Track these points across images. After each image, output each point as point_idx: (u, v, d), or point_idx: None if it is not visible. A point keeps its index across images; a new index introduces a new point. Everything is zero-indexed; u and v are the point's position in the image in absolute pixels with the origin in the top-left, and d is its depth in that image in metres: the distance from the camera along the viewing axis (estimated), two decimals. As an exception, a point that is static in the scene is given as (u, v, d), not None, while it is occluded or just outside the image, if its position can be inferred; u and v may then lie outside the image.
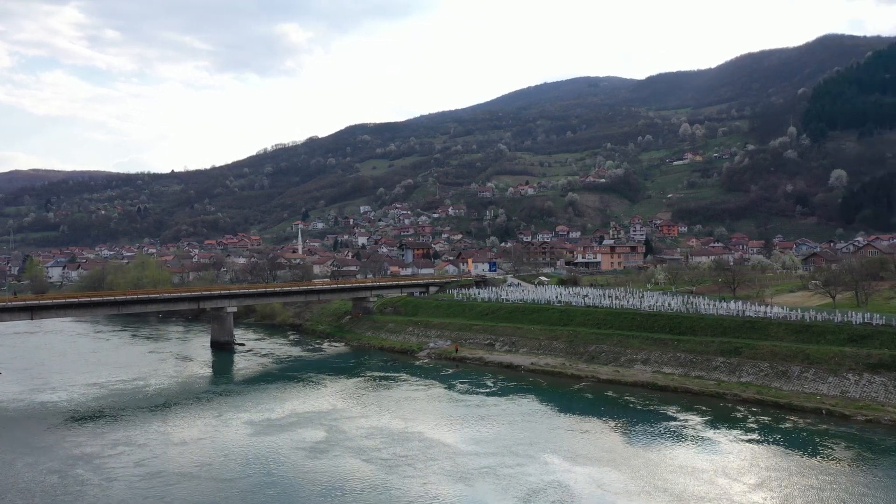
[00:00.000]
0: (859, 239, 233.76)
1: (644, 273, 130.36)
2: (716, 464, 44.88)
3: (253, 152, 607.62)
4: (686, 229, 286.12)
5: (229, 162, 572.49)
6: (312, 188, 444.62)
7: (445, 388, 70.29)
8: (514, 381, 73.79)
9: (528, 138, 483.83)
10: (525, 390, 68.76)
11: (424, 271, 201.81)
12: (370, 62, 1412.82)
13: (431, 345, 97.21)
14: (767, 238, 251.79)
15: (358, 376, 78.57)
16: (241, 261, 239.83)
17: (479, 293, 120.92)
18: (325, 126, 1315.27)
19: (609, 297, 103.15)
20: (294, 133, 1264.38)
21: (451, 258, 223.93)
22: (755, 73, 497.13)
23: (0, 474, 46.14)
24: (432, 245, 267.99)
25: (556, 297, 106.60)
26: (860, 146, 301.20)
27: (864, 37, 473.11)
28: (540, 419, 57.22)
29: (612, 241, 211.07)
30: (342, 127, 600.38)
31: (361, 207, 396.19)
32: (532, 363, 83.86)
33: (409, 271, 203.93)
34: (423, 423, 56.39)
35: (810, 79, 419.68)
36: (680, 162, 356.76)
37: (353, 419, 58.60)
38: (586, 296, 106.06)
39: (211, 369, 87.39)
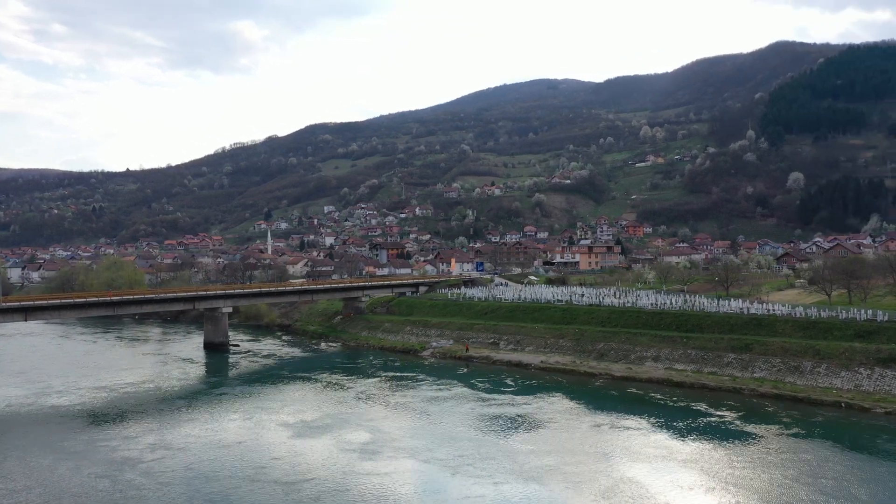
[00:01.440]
0: (818, 239, 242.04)
1: (631, 272, 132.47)
2: (782, 458, 45.65)
3: (211, 151, 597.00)
4: (651, 230, 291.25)
5: (186, 161, 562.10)
6: (274, 188, 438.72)
7: (468, 387, 70.23)
8: (533, 380, 74.29)
9: (491, 139, 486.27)
10: (548, 388, 69.25)
11: (402, 271, 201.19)
12: (328, 61, 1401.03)
13: (434, 344, 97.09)
14: (730, 238, 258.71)
15: (373, 377, 77.93)
16: (207, 261, 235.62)
17: (471, 293, 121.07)
18: (285, 125, 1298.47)
19: (605, 295, 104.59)
20: (253, 132, 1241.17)
21: (428, 258, 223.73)
22: (710, 77, 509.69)
23: (46, 480, 44.56)
24: (403, 245, 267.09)
25: (555, 296, 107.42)
26: (815, 150, 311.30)
27: (815, 44, 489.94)
28: (578, 416, 57.75)
29: (588, 242, 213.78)
30: (302, 126, 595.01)
31: (325, 207, 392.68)
32: (542, 361, 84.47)
33: (385, 271, 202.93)
34: (462, 423, 56.30)
35: (764, 84, 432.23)
36: (642, 164, 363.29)
37: (389, 419, 58.28)
38: (583, 295, 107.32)
39: (217, 371, 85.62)
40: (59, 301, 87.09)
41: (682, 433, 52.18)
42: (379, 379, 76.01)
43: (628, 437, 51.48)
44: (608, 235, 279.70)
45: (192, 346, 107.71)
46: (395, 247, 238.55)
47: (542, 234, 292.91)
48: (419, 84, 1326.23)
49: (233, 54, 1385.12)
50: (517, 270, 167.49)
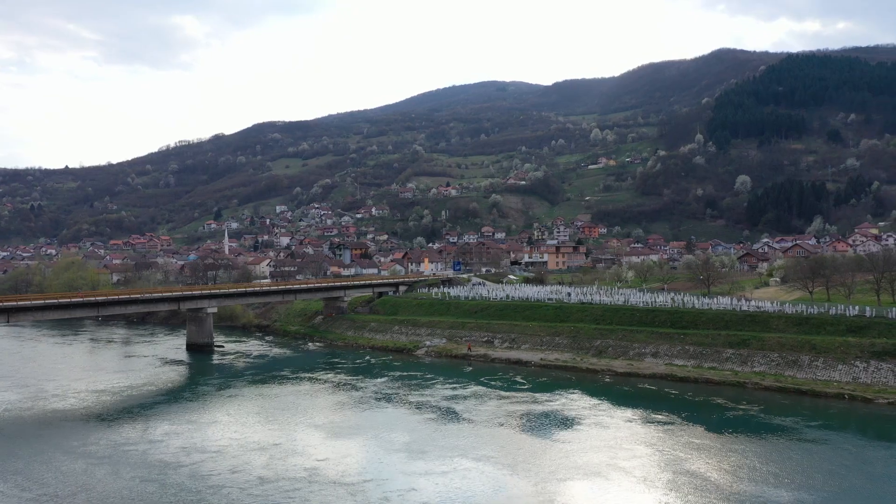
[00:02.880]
0: (766, 240, 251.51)
1: (608, 271, 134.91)
2: (828, 449, 47.16)
3: (154, 149, 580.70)
4: (606, 230, 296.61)
5: (129, 158, 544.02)
6: (223, 187, 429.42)
7: (482, 385, 70.44)
8: (543, 377, 75.11)
9: (443, 140, 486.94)
10: (562, 385, 69.97)
11: (368, 271, 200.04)
12: (273, 59, 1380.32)
13: (427, 343, 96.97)
14: (682, 239, 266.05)
15: (379, 376, 77.31)
16: (166, 261, 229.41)
17: (454, 292, 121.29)
18: (231, 123, 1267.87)
19: (592, 294, 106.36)
20: (198, 130, 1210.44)
21: (394, 258, 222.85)
22: (656, 82, 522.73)
23: (87, 484, 42.90)
24: (367, 245, 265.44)
25: (546, 295, 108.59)
26: (761, 154, 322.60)
27: (755, 52, 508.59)
28: (607, 412, 58.47)
29: (556, 242, 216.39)
30: (249, 124, 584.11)
31: (277, 207, 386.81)
32: (541, 359, 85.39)
33: (351, 271, 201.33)
34: (494, 420, 56.46)
35: (708, 89, 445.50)
36: (595, 166, 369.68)
37: (418, 418, 57.97)
38: (570, 294, 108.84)
39: (212, 372, 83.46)
40: (43, 302, 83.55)
41: (717, 427, 53.33)
42: (387, 378, 75.46)
43: (666, 430, 52.49)
44: (565, 236, 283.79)
45: (171, 347, 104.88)
46: (358, 247, 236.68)
47: (500, 235, 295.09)
48: (367, 84, 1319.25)
49: (173, 50, 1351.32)
50: (485, 270, 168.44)
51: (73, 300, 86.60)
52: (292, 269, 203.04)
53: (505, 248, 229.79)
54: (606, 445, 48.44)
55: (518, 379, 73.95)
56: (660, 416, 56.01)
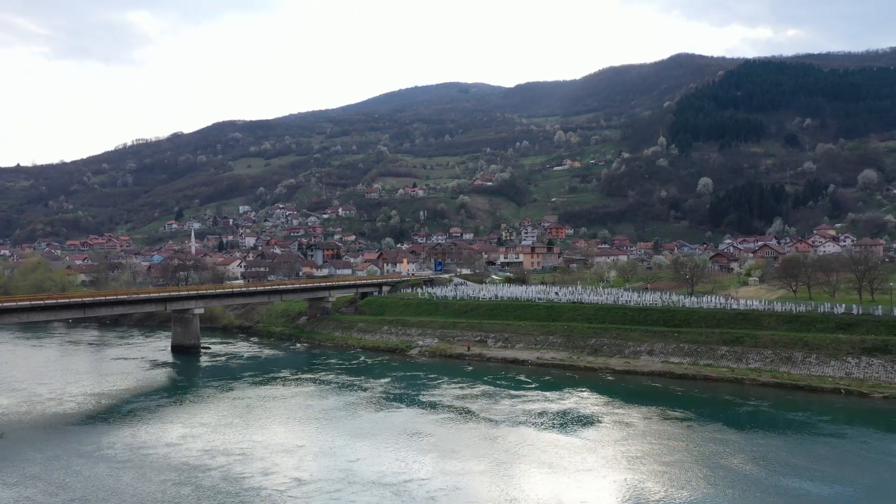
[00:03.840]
0: (729, 240, 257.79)
1: (589, 270, 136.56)
2: (853, 442, 48.51)
3: (110, 147, 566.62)
4: (572, 231, 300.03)
5: (84, 157, 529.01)
6: (184, 186, 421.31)
7: (488, 385, 70.65)
8: (546, 376, 75.73)
9: (407, 140, 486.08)
10: (568, 384, 70.49)
11: (342, 272, 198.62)
12: (231, 57, 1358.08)
13: (420, 343, 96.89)
14: (647, 240, 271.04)
15: (381, 377, 76.95)
16: (128, 262, 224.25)
17: (440, 292, 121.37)
18: (190, 122, 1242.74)
19: (580, 293, 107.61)
20: (155, 128, 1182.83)
21: (366, 258, 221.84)
22: (617, 85, 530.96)
23: (116, 488, 41.85)
24: (338, 246, 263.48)
25: (536, 295, 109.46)
26: (722, 157, 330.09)
27: (712, 57, 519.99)
28: (623, 410, 59.07)
29: (530, 243, 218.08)
30: (209, 123, 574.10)
31: (241, 207, 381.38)
32: (537, 358, 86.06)
33: (325, 272, 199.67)
34: (514, 419, 56.72)
35: (668, 93, 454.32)
36: (560, 168, 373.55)
37: (436, 418, 57.92)
38: (557, 293, 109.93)
39: (206, 374, 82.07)
40: (29, 303, 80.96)
41: (735, 423, 54.28)
42: (391, 379, 75.15)
43: (688, 427, 53.28)
44: (533, 237, 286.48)
45: (155, 349, 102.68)
46: (330, 247, 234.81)
47: (469, 236, 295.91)
48: (329, 84, 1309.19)
49: (126, 46, 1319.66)
50: (463, 270, 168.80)
51: (59, 301, 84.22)
52: (264, 269, 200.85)
53: (476, 249, 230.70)
54: (636, 442, 49.13)
55: (522, 378, 74.43)
56: (676, 413, 57.03)
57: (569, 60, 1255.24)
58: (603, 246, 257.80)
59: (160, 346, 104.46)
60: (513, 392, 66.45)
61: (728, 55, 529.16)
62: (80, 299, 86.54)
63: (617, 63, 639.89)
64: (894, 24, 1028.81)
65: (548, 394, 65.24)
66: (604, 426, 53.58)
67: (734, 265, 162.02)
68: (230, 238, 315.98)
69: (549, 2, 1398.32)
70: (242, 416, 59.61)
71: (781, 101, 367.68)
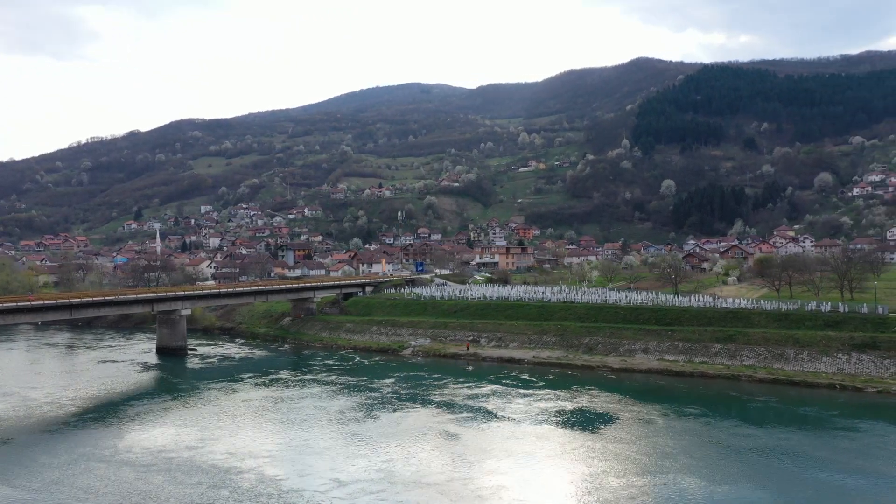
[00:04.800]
0: (692, 241, 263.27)
1: (571, 270, 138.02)
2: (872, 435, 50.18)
3: (64, 145, 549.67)
4: (539, 232, 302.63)
5: (36, 155, 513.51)
6: (142, 185, 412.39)
7: (495, 384, 70.87)
8: (549, 375, 76.46)
9: (370, 141, 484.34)
10: (575, 382, 71.12)
11: (316, 272, 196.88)
12: (188, 54, 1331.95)
13: (413, 343, 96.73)
14: (613, 240, 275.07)
15: (384, 377, 76.50)
16: (95, 262, 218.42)
17: (426, 292, 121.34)
18: (146, 120, 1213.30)
19: (567, 293, 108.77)
20: (111, 126, 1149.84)
21: (336, 258, 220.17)
22: (579, 88, 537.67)
23: (152, 493, 40.90)
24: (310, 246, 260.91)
25: (521, 294, 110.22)
26: (683, 159, 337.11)
27: (671, 61, 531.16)
28: (638, 408, 59.89)
29: (504, 244, 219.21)
30: (166, 122, 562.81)
31: (202, 207, 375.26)
32: (534, 357, 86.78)
33: (297, 273, 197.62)
34: (534, 418, 57.14)
35: (629, 96, 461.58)
36: (525, 169, 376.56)
37: (455, 417, 57.95)
38: (544, 293, 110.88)
39: (205, 376, 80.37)
40: (14, 304, 78.42)
41: (753, 419, 55.32)
42: (394, 379, 74.78)
43: (709, 425, 54.17)
44: (501, 237, 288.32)
45: (139, 351, 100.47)
46: (301, 248, 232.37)
47: (437, 236, 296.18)
48: (289, 83, 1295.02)
49: (78, 41, 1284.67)
50: (440, 271, 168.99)
51: (46, 303, 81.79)
52: (235, 270, 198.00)
53: (448, 250, 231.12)
54: (662, 439, 49.98)
55: (524, 377, 74.94)
56: (690, 410, 58.15)
57: (530, 63, 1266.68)
58: (570, 247, 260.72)
59: (144, 348, 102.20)
60: (522, 391, 66.88)
61: (686, 60, 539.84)
62: (67, 300, 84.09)
63: (578, 66, 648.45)
64: (840, 33, 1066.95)
65: (557, 392, 65.82)
66: (625, 423, 54.32)
67: (705, 265, 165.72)
68: (193, 238, 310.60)
69: (509, 4, 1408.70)
70: (255, 418, 58.76)
71: (739, 106, 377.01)
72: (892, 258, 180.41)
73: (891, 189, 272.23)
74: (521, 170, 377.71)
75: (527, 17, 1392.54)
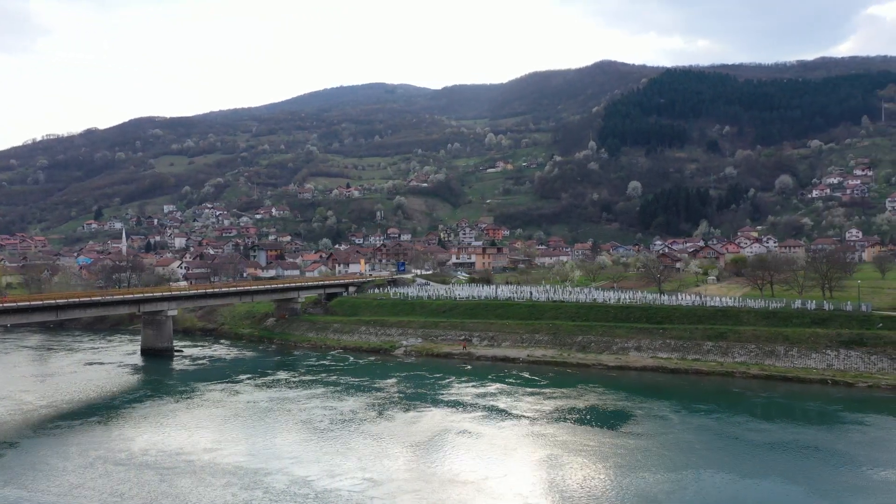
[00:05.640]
0: (659, 242, 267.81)
1: (553, 270, 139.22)
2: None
3: (18, 143, 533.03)
4: (509, 232, 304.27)
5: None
6: (102, 184, 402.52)
7: (498, 383, 71.27)
8: (549, 373, 77.09)
9: (336, 140, 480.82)
10: (579, 380, 71.96)
11: (289, 273, 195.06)
12: (145, 49, 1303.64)
13: (405, 343, 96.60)
14: (581, 241, 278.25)
15: (385, 377, 76.25)
16: (68, 262, 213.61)
17: (411, 292, 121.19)
18: (104, 117, 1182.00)
19: (554, 292, 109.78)
20: (67, 123, 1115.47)
21: (307, 258, 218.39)
22: (544, 90, 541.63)
23: (179, 495, 40.26)
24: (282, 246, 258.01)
25: (508, 294, 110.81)
26: (649, 161, 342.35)
27: (634, 64, 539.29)
28: (649, 405, 60.90)
29: (480, 244, 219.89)
30: (125, 119, 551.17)
31: (165, 206, 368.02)
32: (528, 355, 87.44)
33: (271, 273, 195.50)
34: (551, 417, 57.62)
35: (593, 98, 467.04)
36: (493, 170, 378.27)
37: (467, 415, 58.11)
38: (531, 293, 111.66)
39: (199, 378, 78.91)
40: (1, 305, 76.10)
41: (763, 415, 56.90)
42: (396, 379, 74.58)
43: (723, 421, 55.36)
44: (471, 238, 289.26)
45: (123, 353, 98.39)
46: (273, 248, 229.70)
47: (406, 236, 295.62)
48: (251, 81, 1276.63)
49: (29, 35, 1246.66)
50: (420, 271, 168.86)
51: (32, 304, 79.77)
52: (206, 271, 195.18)
53: (421, 250, 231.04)
54: (682, 435, 50.97)
55: (526, 375, 75.52)
56: (700, 406, 59.32)
57: (494, 64, 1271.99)
58: (540, 247, 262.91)
59: (128, 350, 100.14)
60: (528, 389, 67.38)
61: (648, 63, 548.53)
62: (53, 301, 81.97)
63: (542, 68, 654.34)
64: (794, 40, 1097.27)
65: (564, 390, 66.47)
66: (640, 420, 55.16)
67: (679, 265, 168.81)
68: (157, 238, 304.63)
69: (472, 5, 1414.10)
70: (265, 419, 58.09)
71: (702, 109, 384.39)
72: (853, 258, 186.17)
73: (848, 191, 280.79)
74: (489, 170, 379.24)
75: (490, 19, 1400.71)
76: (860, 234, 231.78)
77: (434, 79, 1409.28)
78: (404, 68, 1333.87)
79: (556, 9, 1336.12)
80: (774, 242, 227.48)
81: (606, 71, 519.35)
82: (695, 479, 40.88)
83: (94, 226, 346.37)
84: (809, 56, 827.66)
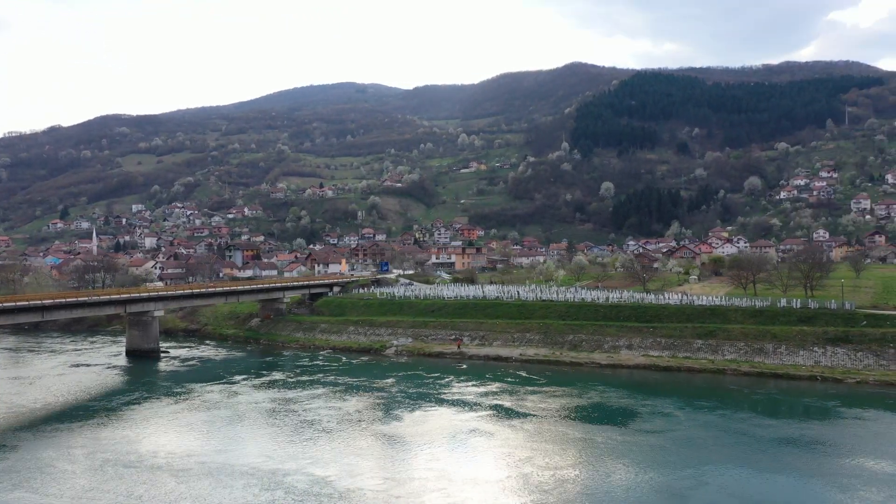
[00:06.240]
0: (632, 242, 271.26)
1: (537, 269, 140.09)
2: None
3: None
4: (483, 233, 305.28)
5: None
6: (67, 183, 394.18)
7: (498, 382, 71.57)
8: (547, 371, 77.66)
9: (307, 140, 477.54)
10: (577, 379, 72.46)
11: (267, 273, 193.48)
12: (108, 45, 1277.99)
13: (395, 343, 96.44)
14: (555, 241, 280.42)
15: (382, 377, 75.93)
16: (39, 263, 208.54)
17: (398, 292, 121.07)
18: (68, 115, 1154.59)
19: (541, 291, 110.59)
20: (30, 120, 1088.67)
21: (281, 259, 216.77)
22: (515, 91, 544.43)
23: (200, 496, 39.79)
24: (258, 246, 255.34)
25: (495, 293, 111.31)
26: (621, 162, 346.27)
27: (604, 66, 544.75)
28: (654, 403, 61.43)
29: (459, 244, 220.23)
30: (90, 117, 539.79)
31: (134, 206, 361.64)
32: (521, 354, 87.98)
33: (248, 273, 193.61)
34: (562, 415, 58.08)
35: (565, 100, 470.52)
36: (467, 170, 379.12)
37: (478, 414, 58.31)
38: (518, 292, 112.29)
39: (191, 379, 77.65)
40: (-13, 306, 74.32)
41: (768, 412, 57.85)
42: (394, 379, 74.29)
43: (728, 417, 56.02)
44: (446, 238, 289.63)
45: (107, 354, 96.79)
46: (249, 248, 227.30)
47: (381, 237, 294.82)
48: (218, 79, 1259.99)
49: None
50: (398, 271, 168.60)
51: (17, 304, 77.88)
52: (181, 271, 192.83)
53: (398, 250, 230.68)
54: (691, 431, 51.69)
55: (524, 374, 76.00)
56: (702, 403, 60.31)
57: (465, 65, 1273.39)
58: (515, 247, 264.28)
59: (111, 351, 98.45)
60: (529, 388, 67.81)
61: (617, 66, 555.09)
62: (39, 301, 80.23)
63: (513, 69, 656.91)
64: (759, 44, 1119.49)
65: (564, 389, 67.08)
66: (647, 417, 55.92)
67: (656, 265, 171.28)
68: (127, 238, 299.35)
69: (441, 5, 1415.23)
70: (271, 420, 57.62)
71: (672, 111, 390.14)
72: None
73: (815, 193, 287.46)
74: (462, 171, 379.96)
75: (460, 19, 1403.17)
76: (827, 235, 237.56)
77: (405, 79, 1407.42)
78: (375, 68, 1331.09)
79: (526, 10, 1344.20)
80: (745, 243, 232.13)
81: (577, 72, 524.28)
82: (716, 474, 41.63)
83: (59, 225, 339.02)
84: (774, 60, 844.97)
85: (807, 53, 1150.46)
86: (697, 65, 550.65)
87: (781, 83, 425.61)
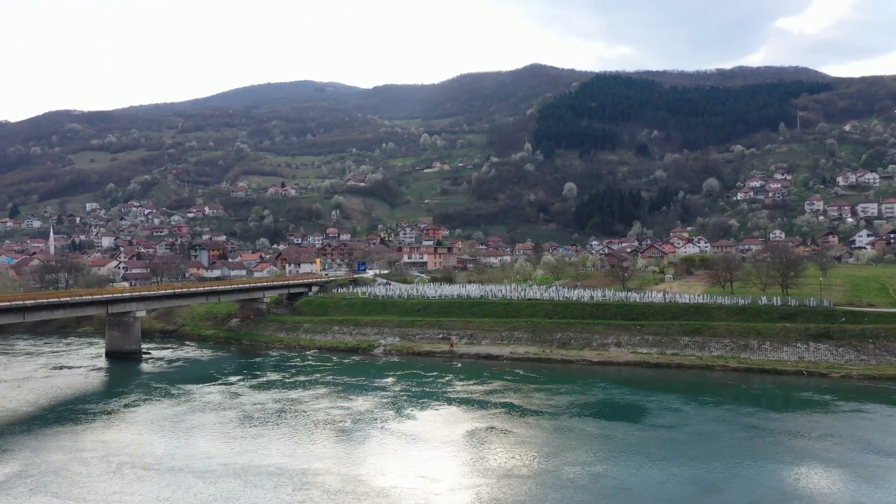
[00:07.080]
0: (595, 242, 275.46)
1: (515, 268, 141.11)
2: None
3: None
4: (448, 232, 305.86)
5: None
6: (17, 180, 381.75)
7: (497, 380, 71.96)
8: (543, 369, 78.41)
9: (266, 138, 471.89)
10: (576, 376, 73.58)
11: (236, 273, 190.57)
12: (58, 38, 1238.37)
13: (383, 342, 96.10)
14: (519, 241, 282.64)
15: (379, 377, 75.57)
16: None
17: (378, 291, 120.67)
18: (16, 110, 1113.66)
19: (525, 290, 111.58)
20: None
21: (246, 258, 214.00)
22: (476, 91, 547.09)
23: (232, 497, 39.26)
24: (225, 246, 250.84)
25: (479, 292, 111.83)
26: (583, 163, 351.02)
27: (563, 68, 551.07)
28: (658, 400, 62.68)
29: (431, 243, 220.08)
30: (40, 112, 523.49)
31: (88, 204, 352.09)
32: (511, 352, 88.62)
33: (216, 273, 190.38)
34: (569, 413, 58.77)
35: (525, 101, 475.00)
36: (430, 170, 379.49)
37: (486, 412, 58.62)
38: (500, 290, 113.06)
39: (185, 380, 75.98)
40: (-30, 307, 71.67)
41: (770, 406, 59.44)
42: (392, 379, 73.89)
43: (735, 412, 57.44)
44: (412, 238, 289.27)
45: (86, 355, 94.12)
46: (216, 247, 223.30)
47: (346, 236, 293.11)
48: (172, 75, 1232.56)
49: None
50: (373, 271, 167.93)
51: (1, 305, 75.07)
52: (147, 271, 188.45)
53: (366, 249, 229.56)
54: (702, 426, 52.85)
55: (520, 371, 76.63)
56: (706, 398, 61.69)
57: (424, 65, 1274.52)
58: (481, 247, 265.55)
59: (90, 353, 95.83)
60: (533, 386, 68.40)
61: (576, 68, 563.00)
62: (21, 302, 77.61)
63: (473, 70, 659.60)
64: (710, 48, 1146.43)
65: (567, 386, 67.94)
66: (657, 413, 57.07)
67: (626, 264, 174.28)
68: (83, 237, 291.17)
69: (400, 4, 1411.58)
70: (282, 420, 56.85)
71: (631, 114, 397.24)
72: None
73: (770, 194, 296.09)
74: (425, 171, 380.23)
75: (418, 19, 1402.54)
76: (783, 235, 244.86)
77: (363, 78, 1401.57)
78: (333, 66, 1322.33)
79: (484, 11, 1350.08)
80: (706, 243, 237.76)
81: (537, 74, 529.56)
82: (744, 466, 42.77)
83: (9, 224, 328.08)
84: (727, 64, 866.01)
85: (756, 59, 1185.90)
86: (651, 68, 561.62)
87: (735, 87, 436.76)
